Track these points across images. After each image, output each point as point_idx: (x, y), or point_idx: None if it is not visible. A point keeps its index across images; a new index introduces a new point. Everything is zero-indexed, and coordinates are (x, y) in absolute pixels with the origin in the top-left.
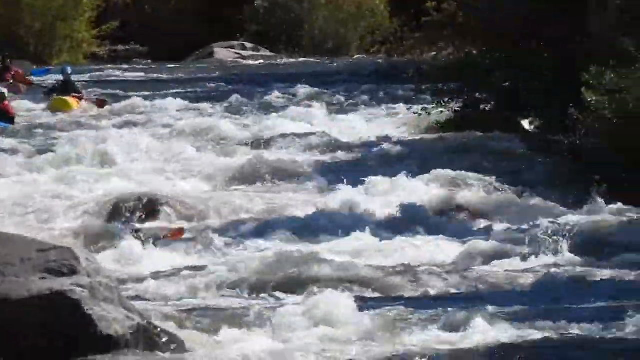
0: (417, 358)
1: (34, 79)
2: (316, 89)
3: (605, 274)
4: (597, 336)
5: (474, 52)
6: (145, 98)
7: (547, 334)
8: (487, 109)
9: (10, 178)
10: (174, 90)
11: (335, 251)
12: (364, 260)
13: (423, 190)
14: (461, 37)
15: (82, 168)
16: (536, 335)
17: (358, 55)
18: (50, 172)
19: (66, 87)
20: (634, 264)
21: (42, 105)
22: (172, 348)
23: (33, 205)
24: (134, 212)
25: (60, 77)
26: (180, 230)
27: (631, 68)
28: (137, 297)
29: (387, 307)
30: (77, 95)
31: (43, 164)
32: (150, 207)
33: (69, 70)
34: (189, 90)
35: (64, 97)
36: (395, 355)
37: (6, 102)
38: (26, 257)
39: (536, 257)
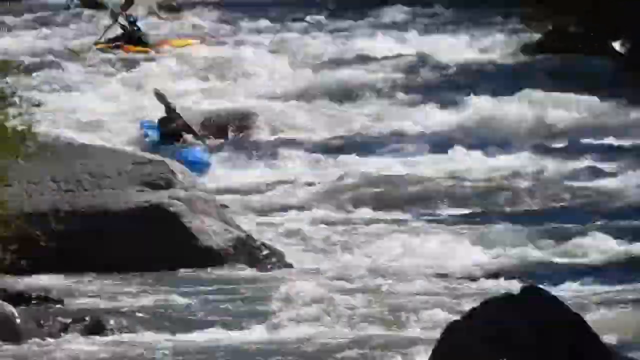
0: None
1: None
2: (405, 9)
3: None
4: None
5: None
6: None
7: None
8: (576, 31)
9: None
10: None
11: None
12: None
13: (513, 110)
14: None
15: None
16: None
17: None
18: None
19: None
20: None
21: None
22: (273, 261)
23: None
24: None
25: None
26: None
27: None
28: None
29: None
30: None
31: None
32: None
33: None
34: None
35: None
36: None
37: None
38: (123, 169)
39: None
